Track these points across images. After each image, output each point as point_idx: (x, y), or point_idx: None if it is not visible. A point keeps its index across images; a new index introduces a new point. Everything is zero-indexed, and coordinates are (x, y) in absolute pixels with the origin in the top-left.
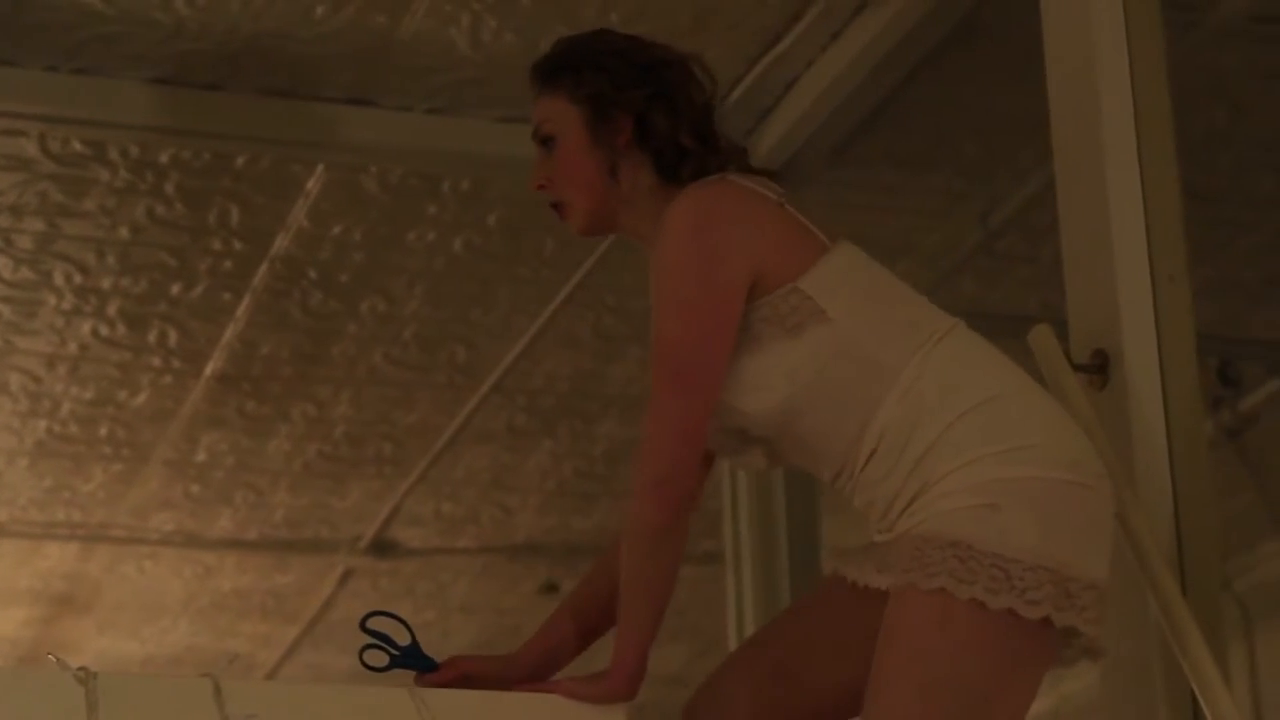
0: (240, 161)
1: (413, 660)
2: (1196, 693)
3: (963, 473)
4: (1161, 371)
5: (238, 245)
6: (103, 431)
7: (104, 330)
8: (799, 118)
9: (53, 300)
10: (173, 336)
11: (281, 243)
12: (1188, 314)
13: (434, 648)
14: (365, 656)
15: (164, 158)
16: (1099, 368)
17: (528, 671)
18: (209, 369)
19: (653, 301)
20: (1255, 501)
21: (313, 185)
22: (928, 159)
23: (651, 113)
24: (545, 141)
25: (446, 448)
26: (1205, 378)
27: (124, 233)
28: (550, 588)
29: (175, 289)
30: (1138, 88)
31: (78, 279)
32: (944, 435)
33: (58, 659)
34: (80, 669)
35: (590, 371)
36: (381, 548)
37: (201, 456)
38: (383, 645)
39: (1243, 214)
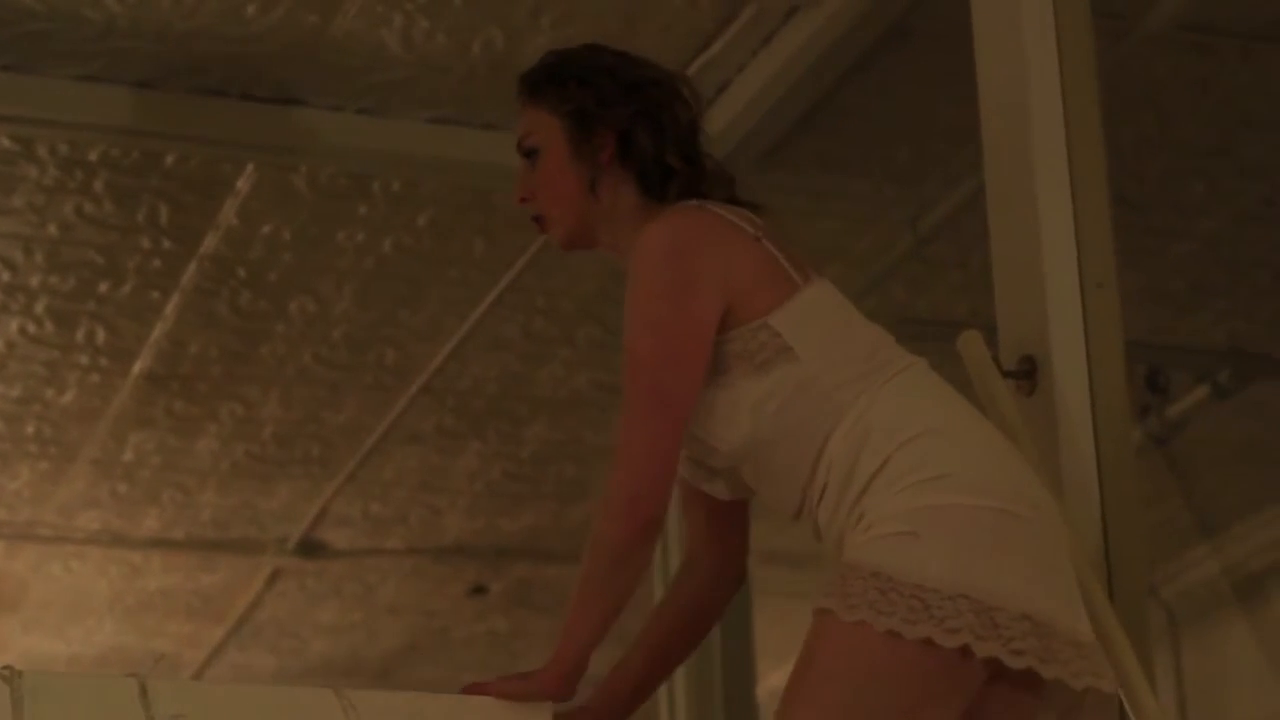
0: (170, 160)
1: None
2: (1123, 699)
3: (890, 501)
4: (1089, 378)
5: (167, 244)
6: (29, 430)
7: (31, 328)
8: (730, 121)
9: None
10: (101, 335)
11: (211, 242)
12: (1116, 321)
13: (361, 649)
14: None
15: (93, 155)
16: (1027, 374)
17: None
18: (137, 368)
19: (625, 322)
20: (1182, 508)
21: (242, 184)
22: (859, 164)
23: (635, 131)
24: (529, 154)
25: (375, 448)
26: (1133, 385)
27: (52, 230)
28: (478, 590)
29: (104, 287)
30: (1068, 95)
31: (5, 276)
32: (882, 468)
33: None
34: (5, 667)
35: (519, 373)
36: (309, 548)
37: (129, 456)
38: None
39: (1171, 222)
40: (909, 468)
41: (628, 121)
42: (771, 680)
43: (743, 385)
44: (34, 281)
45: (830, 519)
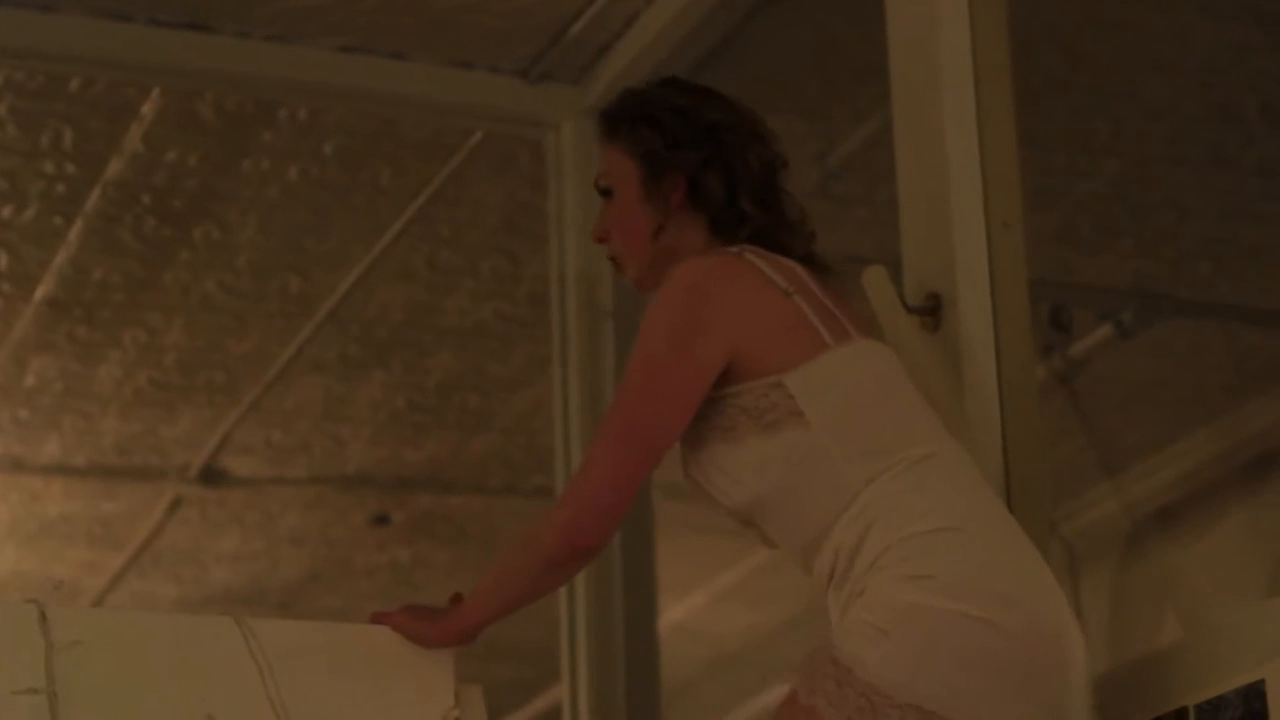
0: (74, 84)
1: None
2: None
3: (875, 590)
4: (994, 316)
5: (70, 169)
6: None
7: None
8: (637, 55)
9: None
10: (3, 260)
11: (115, 167)
12: (1021, 259)
13: (262, 579)
14: None
15: None
16: (932, 310)
17: None
18: (39, 293)
19: (632, 351)
20: (1084, 446)
21: (148, 110)
22: (766, 99)
23: (705, 175)
24: (605, 193)
25: (278, 377)
26: (1037, 323)
27: None
28: (381, 519)
29: (6, 212)
30: (977, 33)
31: None
32: (878, 560)
33: None
34: None
35: (424, 303)
36: (211, 476)
37: (30, 381)
38: None
39: (1078, 162)
40: (901, 558)
41: (698, 165)
42: (673, 614)
43: (749, 443)
44: None
45: (835, 603)
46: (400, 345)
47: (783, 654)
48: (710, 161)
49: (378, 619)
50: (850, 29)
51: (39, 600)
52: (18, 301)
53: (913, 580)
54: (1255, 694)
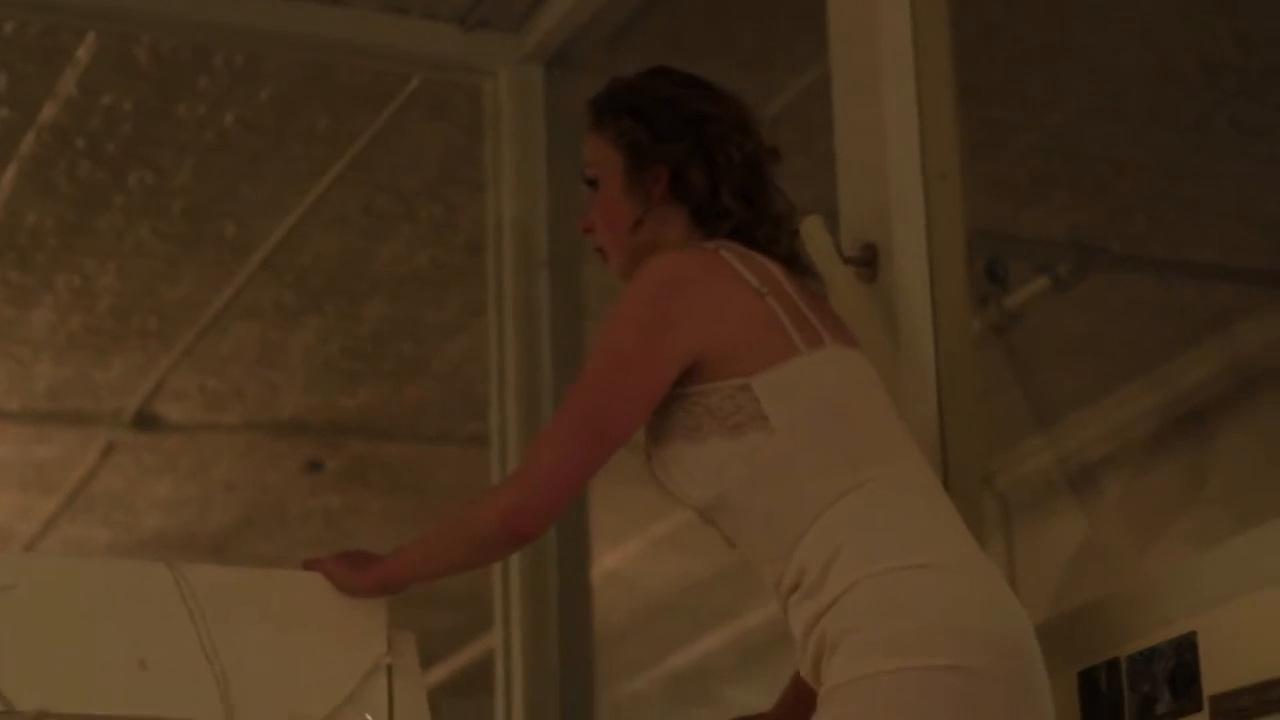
0: (8, 28)
1: None
2: None
3: (847, 653)
4: (930, 266)
5: (4, 113)
6: None
7: None
8: (575, 3)
9: None
10: None
11: (49, 111)
12: (958, 210)
13: (195, 524)
14: None
15: None
16: (868, 261)
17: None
18: None
19: (596, 340)
20: (1018, 398)
21: (83, 54)
22: (705, 47)
23: (687, 168)
24: (591, 183)
25: (212, 323)
26: (973, 274)
27: None
28: (314, 466)
29: None
30: None
31: None
32: (847, 595)
33: None
34: None
35: (359, 250)
36: (144, 421)
37: None
38: None
39: (1015, 114)
40: (873, 599)
41: (680, 157)
42: (606, 562)
43: (712, 444)
44: None
45: (796, 618)
46: (335, 292)
47: (715, 603)
48: (692, 154)
49: (310, 565)
50: None
51: None
52: None
53: (883, 644)
54: (1187, 645)
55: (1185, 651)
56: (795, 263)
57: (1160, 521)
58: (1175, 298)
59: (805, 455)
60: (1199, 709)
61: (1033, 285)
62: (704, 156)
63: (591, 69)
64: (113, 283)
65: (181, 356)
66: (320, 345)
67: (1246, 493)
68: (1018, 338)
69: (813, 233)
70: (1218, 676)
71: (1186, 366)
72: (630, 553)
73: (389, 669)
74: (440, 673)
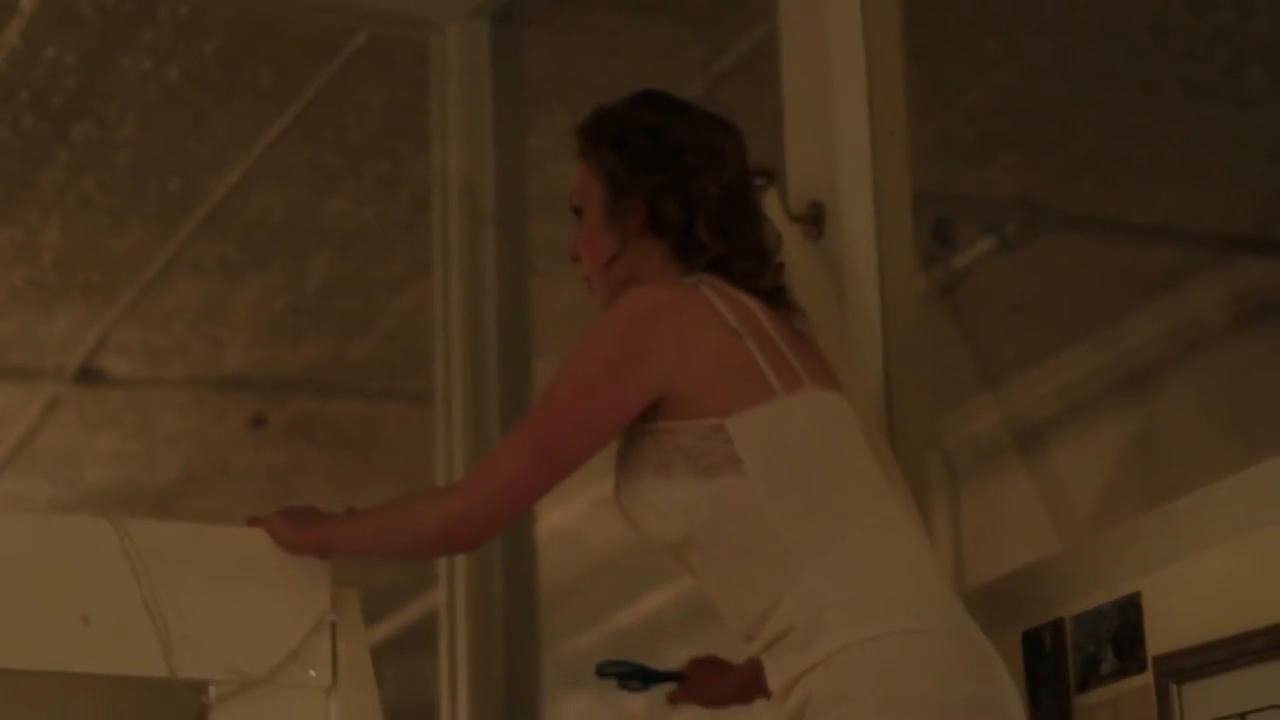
0: None
1: (658, 676)
2: None
3: (841, 714)
4: (877, 226)
5: None
6: None
7: None
8: None
9: None
10: None
11: None
12: (905, 169)
13: (138, 479)
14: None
15: None
16: (815, 219)
17: (736, 689)
18: None
19: (562, 365)
20: (965, 359)
21: (26, 4)
22: (652, 4)
23: (662, 200)
24: (577, 212)
25: (157, 278)
26: (920, 234)
27: None
28: (258, 422)
29: None
30: None
31: None
32: (836, 656)
33: None
34: None
35: (305, 205)
36: (88, 376)
37: None
38: (629, 678)
39: (964, 74)
40: (861, 672)
41: (655, 191)
42: (551, 519)
43: (682, 483)
44: None
45: (776, 668)
46: (280, 247)
47: (661, 561)
48: (668, 186)
49: (254, 522)
50: None
51: None
52: None
53: (879, 712)
54: (1131, 606)
55: (1129, 612)
56: (779, 297)
57: (1105, 482)
58: (1122, 259)
59: (778, 501)
60: (1143, 669)
61: (980, 245)
62: (680, 189)
63: (538, 24)
64: (56, 237)
65: (125, 311)
66: (265, 301)
67: (1192, 454)
68: (964, 298)
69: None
70: (1161, 637)
71: (1133, 327)
72: (576, 510)
73: (332, 625)
74: (384, 629)
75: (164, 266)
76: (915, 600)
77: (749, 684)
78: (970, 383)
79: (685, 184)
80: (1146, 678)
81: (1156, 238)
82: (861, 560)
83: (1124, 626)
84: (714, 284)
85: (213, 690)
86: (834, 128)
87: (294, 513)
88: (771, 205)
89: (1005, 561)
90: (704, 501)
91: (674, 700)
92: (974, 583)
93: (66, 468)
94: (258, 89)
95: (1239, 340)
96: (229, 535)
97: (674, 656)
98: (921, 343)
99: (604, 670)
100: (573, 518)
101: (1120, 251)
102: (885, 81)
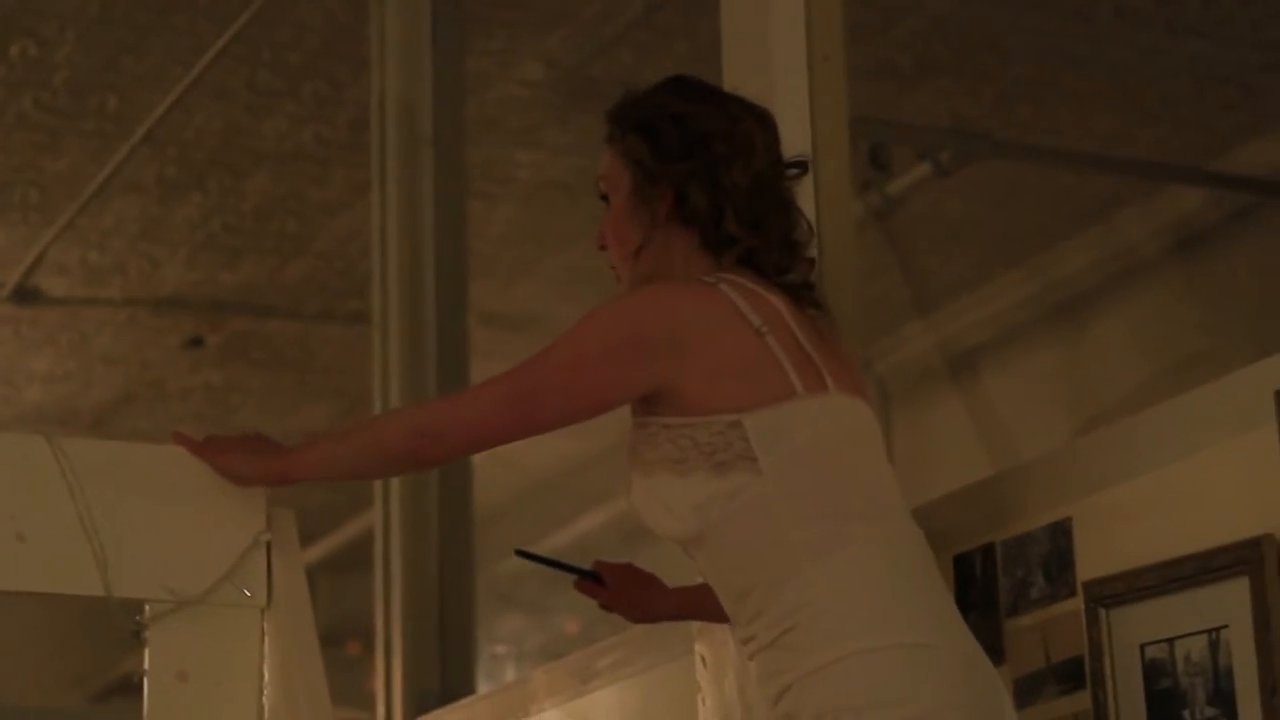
0: None
1: (571, 568)
2: None
3: None
4: (813, 150)
5: None
6: None
7: None
8: None
9: None
10: None
11: None
12: (842, 94)
13: (75, 399)
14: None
15: None
16: None
17: (670, 609)
18: None
19: (568, 330)
20: (899, 284)
21: None
22: None
23: (690, 190)
24: (604, 198)
25: (94, 197)
26: (855, 159)
27: None
28: (195, 342)
29: None
30: None
31: None
32: (835, 665)
33: None
34: None
35: (243, 126)
36: (25, 295)
37: None
38: (547, 561)
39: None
40: (862, 684)
41: (683, 179)
42: None
43: (696, 478)
44: None
45: (769, 671)
46: (218, 167)
47: (594, 483)
48: (696, 175)
49: (201, 455)
50: None
51: None
52: None
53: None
54: (1062, 531)
55: (1060, 537)
56: (807, 295)
57: (1037, 408)
58: (1056, 186)
59: (789, 502)
60: (1072, 594)
61: (915, 171)
62: (708, 178)
63: None
64: None
65: (63, 230)
66: (203, 221)
67: (1122, 380)
68: (899, 223)
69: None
70: (1091, 562)
71: (1066, 254)
72: None
73: (268, 545)
74: (319, 550)
75: (101, 185)
76: (917, 614)
77: (683, 607)
78: (904, 308)
79: (714, 173)
80: (1076, 602)
81: (1090, 165)
82: (865, 570)
83: (1054, 551)
84: (736, 283)
85: (148, 609)
86: (771, 53)
87: (248, 443)
88: None
89: (937, 486)
90: (716, 497)
91: (606, 608)
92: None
93: (3, 386)
94: (196, 8)
95: (1171, 269)
96: (165, 455)
97: None
98: (856, 267)
99: (522, 552)
100: None
101: (1054, 179)
102: (823, 7)
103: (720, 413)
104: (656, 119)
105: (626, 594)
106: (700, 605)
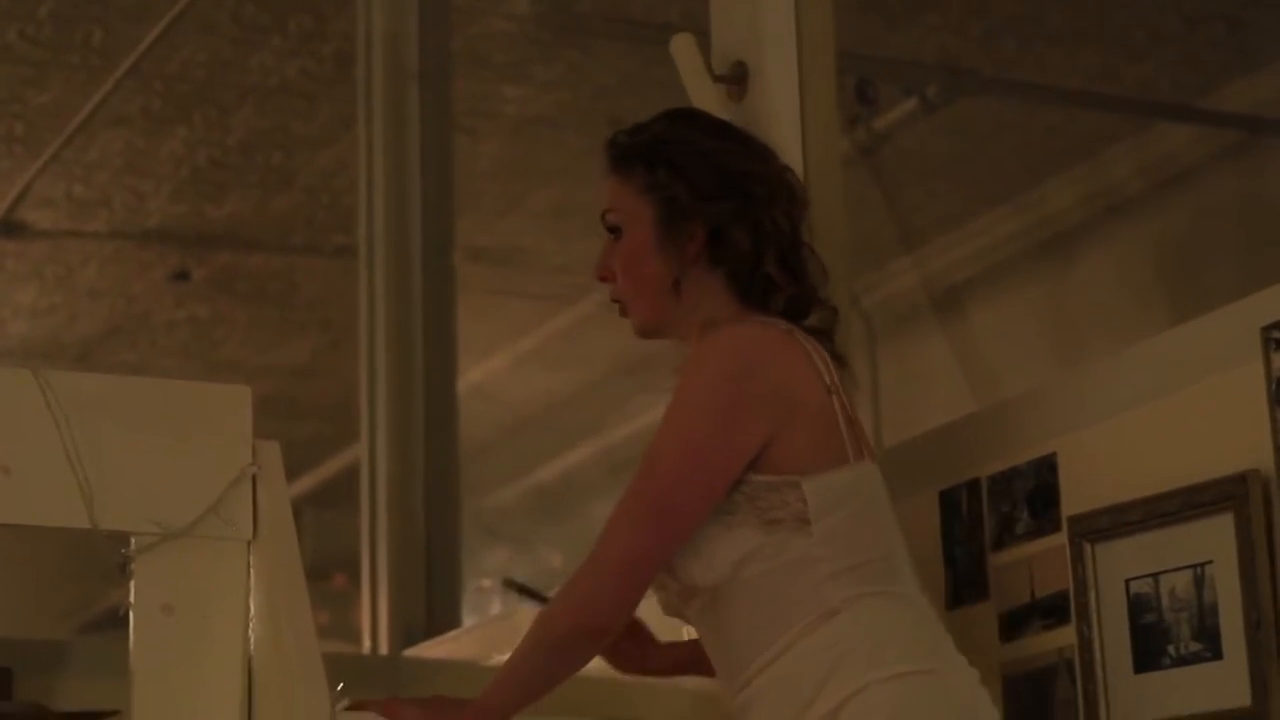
0: None
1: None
2: None
3: None
4: (800, 86)
5: None
6: None
7: None
8: None
9: None
10: None
11: None
12: (829, 29)
13: (61, 332)
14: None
15: None
16: (738, 79)
17: (663, 664)
18: None
19: (664, 417)
20: (885, 220)
21: None
22: None
23: (731, 230)
24: (612, 230)
25: (80, 130)
26: (842, 95)
27: None
28: (180, 275)
29: None
30: None
31: None
32: (856, 697)
33: None
34: None
35: (228, 59)
36: (10, 228)
37: None
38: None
39: None
40: (882, 710)
41: (724, 218)
42: (471, 375)
43: (741, 533)
44: None
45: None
46: (204, 101)
47: (580, 418)
48: (737, 215)
49: (389, 710)
50: None
51: None
52: None
53: None
54: (1047, 466)
55: (1045, 472)
56: (829, 343)
57: (1022, 344)
58: (1042, 123)
59: (830, 562)
60: (1057, 529)
61: (901, 107)
62: (749, 219)
63: None
64: None
65: (48, 163)
66: (188, 154)
67: (1107, 317)
68: (885, 159)
69: (683, 51)
70: (1076, 498)
71: (1052, 191)
72: (496, 366)
73: (254, 478)
74: (305, 483)
75: (87, 118)
76: (934, 646)
77: (678, 664)
78: (890, 244)
79: (756, 215)
80: (1061, 537)
81: (1076, 102)
82: (887, 612)
83: (1039, 486)
84: (803, 333)
85: (134, 542)
86: None
87: (431, 704)
88: (695, 65)
89: (922, 421)
90: (761, 553)
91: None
92: (891, 442)
93: None
94: None
95: (1156, 206)
96: (151, 387)
97: (593, 513)
98: (842, 203)
99: (511, 583)
100: (493, 374)
101: (1040, 115)
102: None
103: (784, 472)
104: (684, 155)
105: (617, 645)
106: (692, 662)
